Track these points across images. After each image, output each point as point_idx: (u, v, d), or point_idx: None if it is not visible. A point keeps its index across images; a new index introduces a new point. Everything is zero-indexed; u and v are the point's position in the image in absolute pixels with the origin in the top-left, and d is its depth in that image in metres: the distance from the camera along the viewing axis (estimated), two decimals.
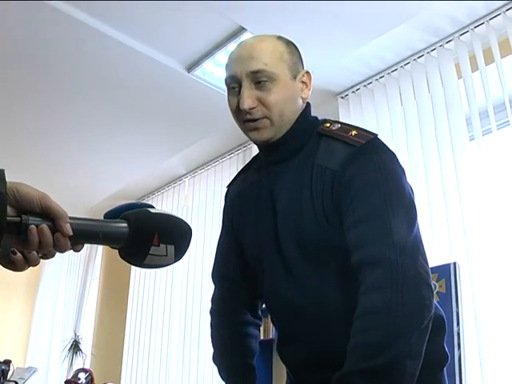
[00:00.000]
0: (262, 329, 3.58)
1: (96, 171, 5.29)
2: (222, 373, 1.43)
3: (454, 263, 2.52)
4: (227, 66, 1.35)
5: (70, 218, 0.79)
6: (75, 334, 5.94)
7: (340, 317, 1.21)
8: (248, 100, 1.27)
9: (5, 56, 3.64)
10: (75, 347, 5.86)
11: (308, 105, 1.39)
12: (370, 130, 1.33)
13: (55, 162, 5.10)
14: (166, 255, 0.86)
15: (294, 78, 1.33)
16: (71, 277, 6.77)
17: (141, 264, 0.86)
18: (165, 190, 5.62)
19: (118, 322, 5.72)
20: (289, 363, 1.41)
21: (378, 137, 1.31)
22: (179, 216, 0.92)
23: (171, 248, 0.86)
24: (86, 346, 5.99)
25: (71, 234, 0.77)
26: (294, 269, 1.29)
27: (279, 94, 1.29)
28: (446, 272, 2.46)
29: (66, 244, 0.78)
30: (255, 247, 1.38)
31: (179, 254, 0.88)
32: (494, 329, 2.70)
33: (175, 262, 0.89)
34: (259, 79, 1.28)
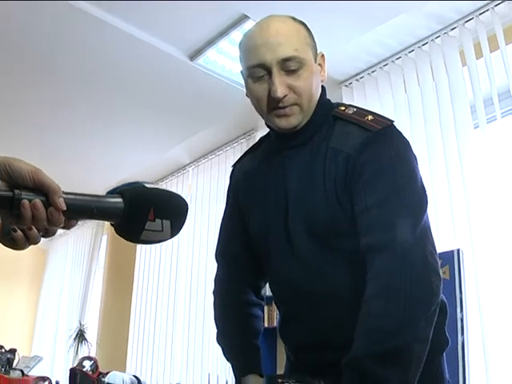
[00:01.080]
0: (265, 317, 3.59)
1: (99, 161, 5.30)
2: (227, 353, 1.43)
3: (458, 250, 2.51)
4: (248, 53, 1.29)
5: (64, 192, 0.78)
6: (80, 324, 5.98)
7: (345, 300, 1.22)
8: (281, 87, 1.24)
9: (6, 49, 3.64)
10: (80, 336, 5.89)
11: (323, 88, 1.38)
12: (386, 116, 1.32)
13: (57, 152, 5.11)
14: (162, 230, 0.85)
15: (315, 61, 1.32)
16: (76, 266, 6.81)
17: (137, 240, 0.85)
18: (169, 180, 5.64)
19: (123, 310, 5.75)
20: (290, 344, 1.41)
21: (394, 123, 1.30)
22: None
23: (167, 223, 0.85)
24: (92, 335, 6.03)
25: (65, 208, 0.76)
26: (302, 251, 1.29)
27: (308, 79, 1.28)
28: (450, 259, 2.46)
29: (60, 219, 0.76)
30: (262, 228, 1.38)
31: (175, 229, 0.87)
32: (497, 315, 2.70)
33: (172, 237, 0.88)
34: (290, 66, 1.25)
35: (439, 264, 1.19)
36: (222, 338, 1.46)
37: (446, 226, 3.02)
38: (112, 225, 0.85)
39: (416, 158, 1.28)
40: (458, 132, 3.17)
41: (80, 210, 0.80)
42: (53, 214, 0.76)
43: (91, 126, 4.67)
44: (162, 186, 5.68)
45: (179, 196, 0.90)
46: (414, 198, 1.22)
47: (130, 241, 0.86)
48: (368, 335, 1.10)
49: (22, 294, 7.40)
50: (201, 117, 4.47)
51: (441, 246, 2.93)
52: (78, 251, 6.86)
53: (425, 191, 1.25)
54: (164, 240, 0.88)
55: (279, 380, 1.11)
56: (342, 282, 1.25)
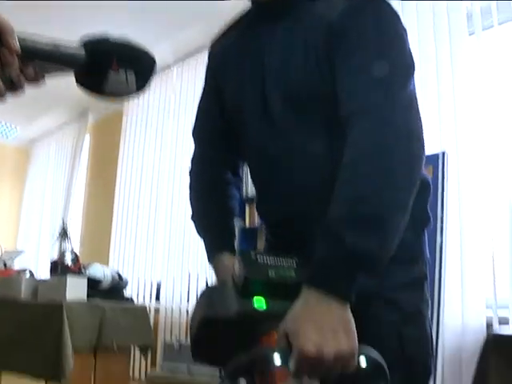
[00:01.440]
0: (247, 217, 3.61)
1: None
2: (201, 230, 1.40)
3: (443, 152, 2.52)
4: None
5: (20, 33, 0.73)
6: (63, 222, 6.00)
7: (325, 173, 1.18)
8: None
9: None
10: (64, 235, 5.93)
11: None
12: None
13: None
14: (127, 82, 0.83)
15: None
16: (59, 166, 6.77)
17: (101, 91, 0.83)
18: (152, 79, 5.48)
19: (105, 210, 5.78)
20: (268, 219, 1.40)
21: None
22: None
23: (131, 74, 0.83)
24: (75, 234, 6.08)
25: (18, 49, 0.72)
26: (280, 121, 1.25)
27: None
28: (435, 160, 2.47)
29: (13, 62, 0.72)
30: (238, 100, 1.33)
31: (141, 82, 0.85)
32: (476, 217, 2.73)
33: (138, 92, 0.86)
34: None
35: (423, 134, 1.13)
36: (196, 216, 1.42)
37: (433, 128, 2.99)
38: (78, 79, 0.81)
39: (406, 31, 1.21)
40: (452, 37, 3.08)
41: (35, 52, 0.76)
42: (5, 55, 0.71)
43: (71, 13, 4.45)
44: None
45: (145, 49, 0.87)
46: (401, 65, 1.16)
47: (95, 93, 0.83)
48: (343, 201, 1.05)
49: (5, 193, 7.38)
50: (187, 14, 4.28)
51: (426, 148, 2.94)
52: (61, 151, 6.80)
53: (412, 59, 1.19)
54: (131, 94, 0.86)
55: (252, 253, 1.09)
56: (319, 152, 1.21)
